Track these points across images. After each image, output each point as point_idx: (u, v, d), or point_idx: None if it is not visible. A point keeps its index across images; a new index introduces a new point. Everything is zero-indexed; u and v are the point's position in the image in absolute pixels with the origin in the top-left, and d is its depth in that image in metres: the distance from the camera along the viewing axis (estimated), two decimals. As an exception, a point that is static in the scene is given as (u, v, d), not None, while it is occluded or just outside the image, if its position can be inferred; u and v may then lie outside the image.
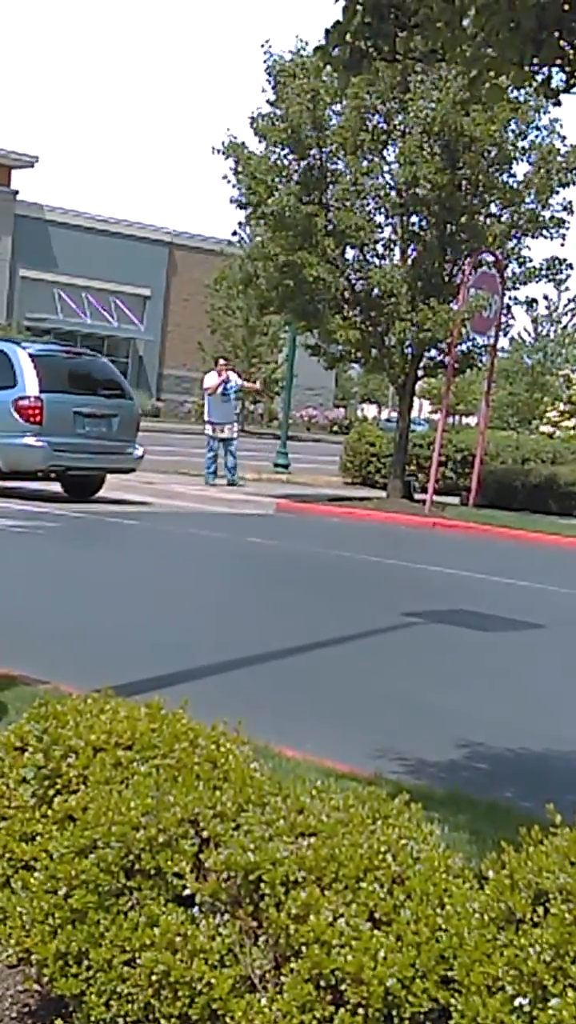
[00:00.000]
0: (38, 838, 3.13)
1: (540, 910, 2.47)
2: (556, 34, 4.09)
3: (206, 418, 23.10)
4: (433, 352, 22.28)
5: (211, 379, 23.25)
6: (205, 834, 2.89)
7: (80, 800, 3.11)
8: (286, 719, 6.61)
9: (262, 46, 20.91)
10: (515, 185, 21.52)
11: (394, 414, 30.90)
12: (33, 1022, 3.15)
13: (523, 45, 4.09)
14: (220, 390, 23.26)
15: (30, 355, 17.71)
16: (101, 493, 18.67)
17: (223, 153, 21.30)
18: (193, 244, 55.78)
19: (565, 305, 56.10)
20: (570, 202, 21.66)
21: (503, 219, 21.79)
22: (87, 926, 2.91)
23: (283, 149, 21.13)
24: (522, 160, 21.35)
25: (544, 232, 21.75)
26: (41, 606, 9.77)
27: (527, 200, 21.55)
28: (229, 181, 21.41)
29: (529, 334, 56.93)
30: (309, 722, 6.78)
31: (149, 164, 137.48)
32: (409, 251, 21.81)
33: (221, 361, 24.53)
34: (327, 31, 4.34)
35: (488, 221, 21.73)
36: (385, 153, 21.44)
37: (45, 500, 17.47)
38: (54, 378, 17.58)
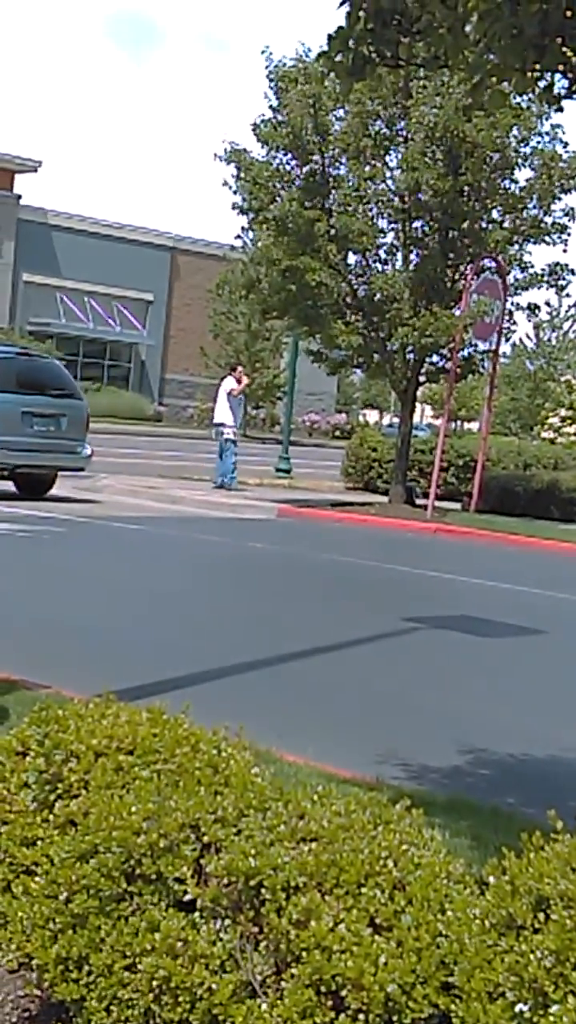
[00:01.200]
0: (39, 843, 3.13)
1: (541, 916, 2.47)
2: (558, 40, 4.09)
3: (228, 422, 23.07)
4: (435, 357, 22.30)
5: (230, 383, 23.27)
6: (206, 839, 2.88)
7: (81, 805, 3.11)
8: (287, 724, 6.60)
9: (262, 52, 20.96)
10: (517, 191, 21.54)
11: (396, 419, 30.92)
12: (33, 1027, 3.14)
13: (525, 51, 4.09)
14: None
15: None
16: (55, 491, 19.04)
17: (225, 160, 21.32)
18: (196, 249, 55.82)
19: (567, 311, 56.12)
20: (572, 208, 21.73)
21: (505, 225, 21.81)
22: (88, 931, 2.91)
23: (285, 154, 21.16)
24: (524, 166, 21.38)
25: (546, 238, 21.78)
26: (43, 610, 9.77)
27: (529, 206, 21.57)
28: (230, 188, 21.43)
29: (531, 340, 56.96)
30: (310, 727, 6.77)
31: (152, 169, 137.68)
32: (411, 256, 21.84)
33: (240, 367, 24.58)
34: (330, 37, 4.34)
35: (490, 227, 21.74)
36: (387, 159, 21.48)
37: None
38: (3, 379, 18.09)
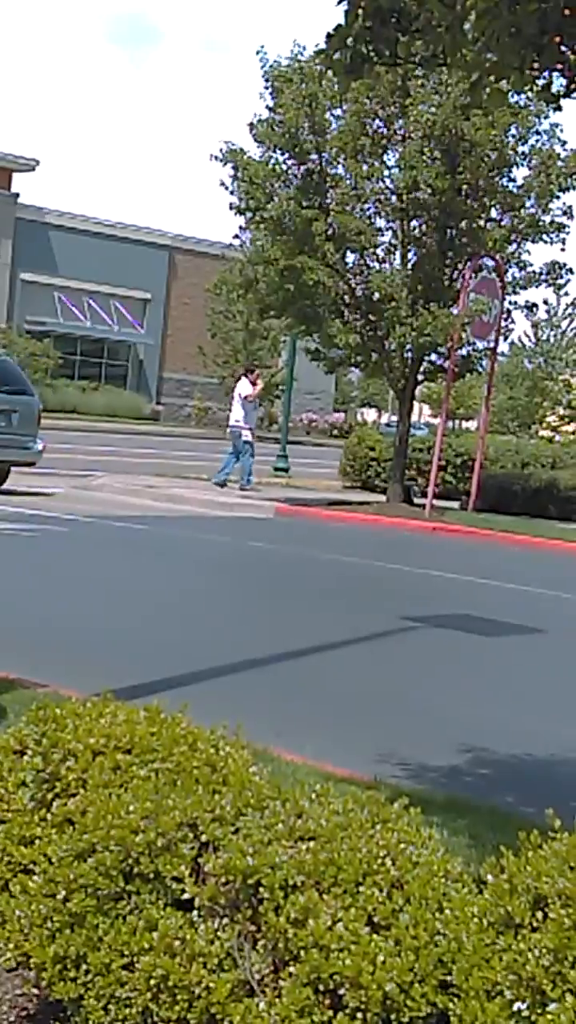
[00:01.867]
0: (37, 842, 3.13)
1: (539, 915, 2.47)
2: (557, 39, 4.09)
3: (245, 424, 23.04)
4: (433, 356, 22.30)
5: (246, 387, 23.24)
6: (204, 838, 2.88)
7: (79, 804, 3.11)
8: (286, 723, 6.60)
9: (257, 52, 20.94)
10: (515, 190, 21.53)
11: (394, 418, 30.91)
12: (31, 1026, 3.14)
13: (524, 50, 4.09)
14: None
15: None
16: (8, 485, 19.31)
17: (221, 160, 21.30)
18: (194, 248, 55.78)
19: (565, 309, 56.11)
20: (570, 207, 21.69)
21: (503, 223, 21.80)
22: (86, 930, 2.90)
23: (282, 154, 21.14)
24: (522, 165, 21.37)
25: (544, 237, 21.77)
26: (43, 610, 9.76)
27: (527, 205, 21.56)
28: (227, 188, 21.41)
29: (529, 338, 56.95)
30: (308, 726, 6.77)
31: (150, 168, 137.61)
32: (409, 255, 21.82)
33: (256, 371, 24.52)
34: (328, 35, 4.34)
35: (488, 225, 21.73)
36: (385, 157, 21.46)
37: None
38: None
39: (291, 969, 2.61)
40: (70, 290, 51.40)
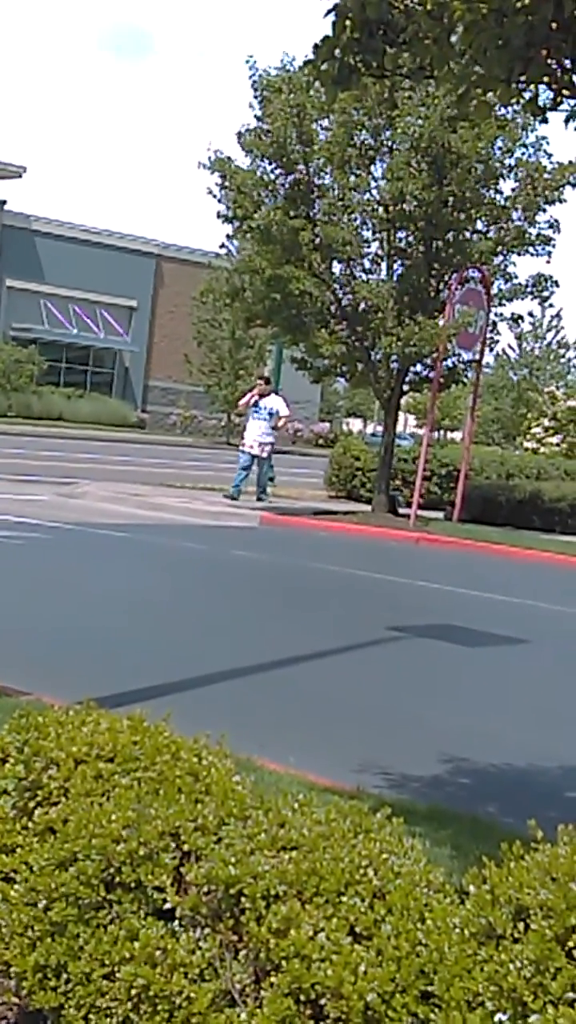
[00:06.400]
0: (18, 850, 3.12)
1: (521, 926, 2.47)
2: (544, 52, 4.11)
3: (247, 438, 23.14)
4: (419, 367, 22.33)
5: (283, 406, 23.32)
6: (186, 847, 2.88)
7: (60, 812, 3.10)
8: (269, 732, 6.59)
9: (246, 61, 20.98)
10: (502, 202, 21.60)
11: (379, 428, 30.96)
12: (11, 1036, 3.12)
13: (511, 62, 4.10)
14: (253, 406, 23.26)
15: None
16: None
17: (209, 168, 21.33)
18: (180, 256, 55.81)
19: (549, 322, 56.29)
20: (556, 219, 21.76)
21: (489, 236, 21.86)
22: (66, 939, 2.89)
23: (270, 164, 21.17)
24: (509, 177, 21.43)
25: (530, 249, 21.84)
26: (25, 617, 9.74)
27: (514, 217, 21.63)
28: (215, 196, 21.45)
29: (514, 350, 57.11)
30: (292, 736, 6.77)
31: (137, 176, 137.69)
32: (395, 266, 21.86)
33: (260, 382, 24.45)
34: (316, 46, 4.35)
35: (474, 237, 21.79)
36: (372, 169, 21.50)
37: None
38: None
39: (272, 979, 2.60)
40: (56, 297, 51.37)
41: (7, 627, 9.11)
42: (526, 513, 24.56)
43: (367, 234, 21.74)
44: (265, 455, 23.04)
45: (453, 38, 4.12)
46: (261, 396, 23.27)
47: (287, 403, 24.02)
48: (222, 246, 24.91)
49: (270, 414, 23.12)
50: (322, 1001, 2.53)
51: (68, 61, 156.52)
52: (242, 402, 23.44)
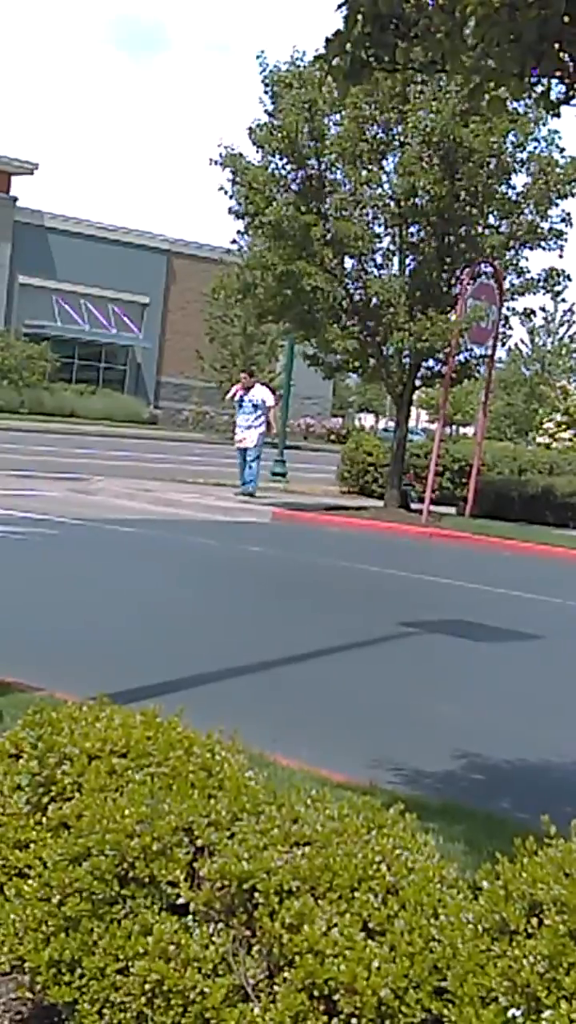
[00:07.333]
0: (32, 845, 3.12)
1: (534, 921, 2.47)
2: (556, 46, 4.10)
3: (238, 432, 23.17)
4: (431, 362, 22.29)
5: (269, 396, 23.32)
6: (199, 843, 2.88)
7: (74, 808, 3.10)
8: (282, 728, 6.59)
9: (257, 57, 20.95)
10: (514, 196, 21.54)
11: (391, 424, 30.93)
12: (25, 1030, 3.13)
13: (523, 56, 4.09)
14: (237, 400, 23.24)
15: None
16: None
17: (220, 164, 21.31)
18: (192, 252, 55.80)
19: (561, 316, 56.21)
20: (568, 214, 21.69)
21: (501, 230, 21.81)
22: (80, 934, 2.90)
23: (281, 159, 21.14)
24: (521, 171, 21.38)
25: (542, 243, 21.78)
26: (37, 613, 9.75)
27: (525, 211, 21.57)
28: (226, 192, 21.43)
29: (526, 345, 57.02)
30: (305, 731, 6.77)
31: (149, 172, 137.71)
32: (407, 261, 21.84)
33: (244, 376, 24.42)
34: (328, 40, 4.34)
35: (486, 232, 21.75)
36: (384, 163, 21.46)
37: None
38: None
39: (286, 974, 2.60)
40: (68, 294, 51.42)
41: (22, 623, 9.12)
42: (539, 508, 24.50)
43: (379, 229, 21.71)
44: (254, 445, 22.95)
45: (465, 32, 4.11)
46: (246, 389, 23.21)
47: (272, 391, 23.96)
48: (234, 242, 24.79)
49: (254, 406, 23.09)
50: (335, 996, 2.54)
51: (80, 58, 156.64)
52: (227, 397, 23.48)
